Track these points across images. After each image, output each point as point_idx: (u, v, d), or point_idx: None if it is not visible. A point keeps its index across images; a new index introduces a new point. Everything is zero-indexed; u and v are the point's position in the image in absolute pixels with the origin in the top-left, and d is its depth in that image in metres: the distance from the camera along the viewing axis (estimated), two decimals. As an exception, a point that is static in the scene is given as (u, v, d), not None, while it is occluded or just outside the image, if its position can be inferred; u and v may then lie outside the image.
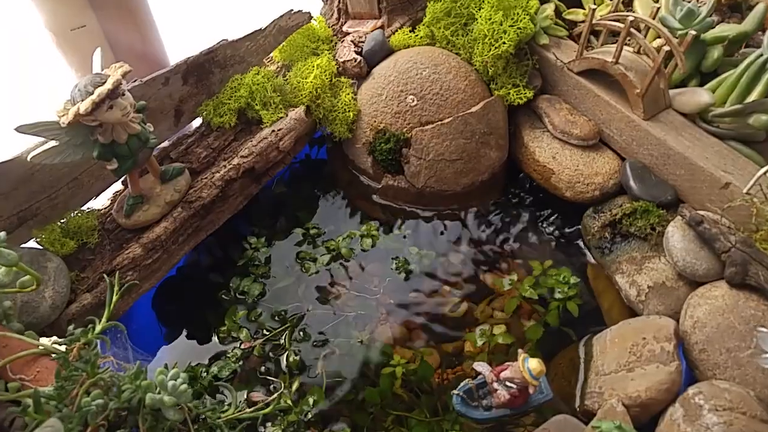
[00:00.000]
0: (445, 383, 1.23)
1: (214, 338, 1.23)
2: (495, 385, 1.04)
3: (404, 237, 1.44)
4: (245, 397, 1.13)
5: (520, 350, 1.03)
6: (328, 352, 1.23)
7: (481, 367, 1.11)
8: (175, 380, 0.78)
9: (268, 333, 1.23)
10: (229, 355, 1.18)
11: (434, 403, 1.20)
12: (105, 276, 0.93)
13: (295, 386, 1.11)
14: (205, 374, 1.13)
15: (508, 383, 1.01)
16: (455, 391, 1.06)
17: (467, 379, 1.09)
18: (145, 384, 0.78)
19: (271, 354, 1.20)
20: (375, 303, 1.34)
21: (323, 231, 1.44)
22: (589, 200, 1.41)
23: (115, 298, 0.92)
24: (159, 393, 0.77)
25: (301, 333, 1.24)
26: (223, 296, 1.31)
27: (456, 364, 1.28)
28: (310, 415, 1.09)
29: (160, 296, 1.33)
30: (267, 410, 0.97)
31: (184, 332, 1.26)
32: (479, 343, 1.25)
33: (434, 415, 1.18)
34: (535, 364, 0.98)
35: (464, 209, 1.50)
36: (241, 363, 1.17)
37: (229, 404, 0.95)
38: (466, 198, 1.48)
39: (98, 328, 0.86)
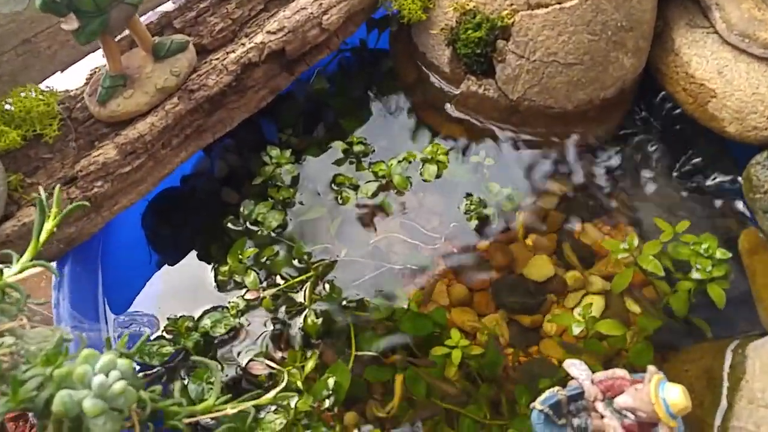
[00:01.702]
0: (515, 366, 0.94)
1: (212, 280, 0.96)
2: (600, 406, 0.73)
3: (483, 167, 1.09)
4: (244, 364, 0.87)
5: (651, 367, 0.70)
6: (362, 316, 0.94)
7: (577, 370, 0.79)
8: (106, 374, 0.50)
9: (283, 282, 0.95)
10: (228, 306, 0.91)
11: (497, 394, 0.91)
12: (39, 189, 0.65)
13: (310, 364, 0.83)
14: (193, 331, 0.86)
15: (625, 412, 0.70)
16: (537, 405, 0.76)
17: (555, 388, 0.78)
18: (60, 375, 0.50)
19: (284, 312, 0.92)
20: (432, 253, 1.03)
21: (372, 148, 1.11)
22: (764, 140, 1.00)
23: (50, 224, 0.64)
24: (81, 390, 0.49)
25: (328, 286, 0.95)
26: (230, 224, 1.02)
27: (531, 344, 0.98)
28: (327, 403, 0.82)
29: (154, 212, 1.06)
30: (266, 400, 0.70)
31: (177, 267, 1.00)
32: (575, 331, 0.92)
33: (496, 412, 0.89)
34: (677, 396, 0.65)
35: (573, 136, 1.13)
36: (243, 319, 0.90)
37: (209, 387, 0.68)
38: (577, 120, 1.10)
39: (13, 269, 0.59)
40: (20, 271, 0.59)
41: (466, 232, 1.06)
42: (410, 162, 1.07)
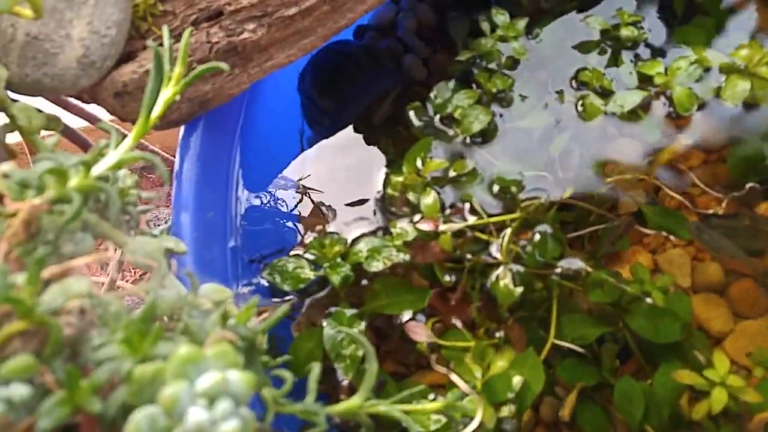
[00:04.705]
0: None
1: (377, 189, 0.73)
2: None
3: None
4: (403, 320, 0.66)
5: None
6: (574, 291, 0.68)
7: None
8: (211, 402, 0.30)
9: (474, 217, 0.69)
10: (393, 233, 0.68)
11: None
12: (164, 30, 0.42)
13: (499, 364, 0.60)
14: (342, 259, 0.66)
15: None
16: None
17: None
18: (144, 376, 0.32)
19: (467, 261, 0.67)
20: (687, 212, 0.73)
21: (645, 36, 0.75)
22: None
23: (169, 90, 0.43)
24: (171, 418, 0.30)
25: (538, 238, 0.68)
26: (414, 114, 0.76)
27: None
28: (506, 410, 0.60)
29: (315, 72, 0.83)
30: (433, 407, 0.49)
31: (334, 155, 0.78)
32: None
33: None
34: None
35: None
36: (409, 255, 0.68)
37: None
38: None
39: (107, 160, 0.40)
40: (115, 167, 0.39)
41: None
42: (707, 70, 0.71)
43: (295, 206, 0.76)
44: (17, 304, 0.32)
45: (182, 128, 0.67)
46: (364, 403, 0.47)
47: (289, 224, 0.73)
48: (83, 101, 0.59)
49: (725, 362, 0.61)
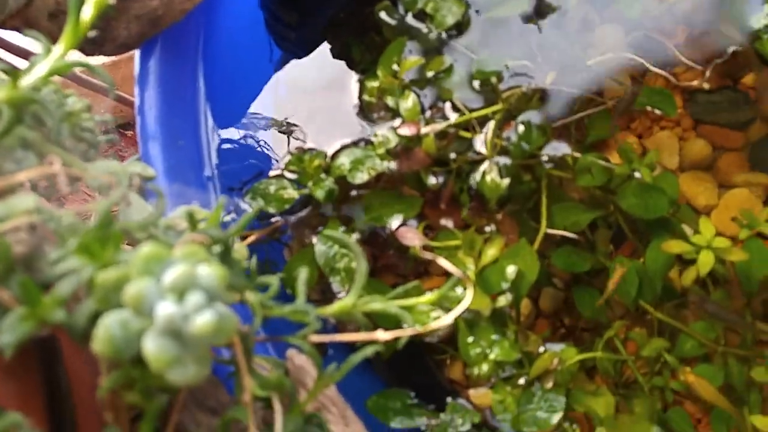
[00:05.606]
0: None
1: (354, 100, 0.69)
2: None
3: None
4: (393, 227, 0.64)
5: None
6: (563, 179, 0.65)
7: None
8: (180, 297, 0.28)
9: (456, 114, 0.66)
10: (374, 142, 0.65)
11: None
12: None
13: (491, 252, 0.58)
14: (324, 173, 0.63)
15: None
16: None
17: None
18: (107, 282, 0.29)
19: (453, 160, 0.65)
20: (669, 87, 0.71)
21: None
22: None
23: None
24: (141, 318, 0.28)
25: (522, 129, 0.65)
26: (384, 14, 0.71)
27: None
28: (503, 300, 0.59)
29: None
30: (428, 300, 0.47)
31: (305, 73, 0.73)
32: None
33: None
34: None
35: None
36: (393, 163, 0.65)
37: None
38: None
39: (38, 69, 0.36)
40: (47, 76, 0.35)
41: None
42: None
43: (288, 144, 0.71)
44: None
45: (137, 57, 0.63)
46: (357, 301, 0.45)
47: (266, 148, 0.70)
48: (20, 31, 0.54)
49: (711, 228, 0.60)
